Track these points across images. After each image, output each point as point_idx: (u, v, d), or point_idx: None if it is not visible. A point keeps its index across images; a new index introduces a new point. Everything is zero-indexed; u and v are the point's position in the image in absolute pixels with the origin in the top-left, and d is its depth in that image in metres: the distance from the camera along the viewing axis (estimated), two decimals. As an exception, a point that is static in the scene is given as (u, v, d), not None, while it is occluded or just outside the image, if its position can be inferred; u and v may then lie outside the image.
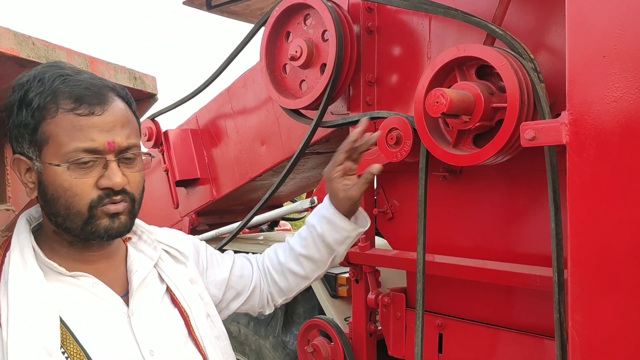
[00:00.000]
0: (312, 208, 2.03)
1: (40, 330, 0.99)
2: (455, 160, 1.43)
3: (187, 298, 1.23)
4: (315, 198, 2.01)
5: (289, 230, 5.36)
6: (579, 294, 1.08)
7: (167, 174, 2.87)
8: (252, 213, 2.08)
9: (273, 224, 4.35)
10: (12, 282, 1.01)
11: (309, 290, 2.65)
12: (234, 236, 2.19)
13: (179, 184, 2.88)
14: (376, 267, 1.92)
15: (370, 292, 1.89)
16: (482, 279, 1.58)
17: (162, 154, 2.87)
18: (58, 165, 1.01)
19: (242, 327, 2.75)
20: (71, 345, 1.02)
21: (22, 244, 1.06)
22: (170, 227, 3.11)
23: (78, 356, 1.01)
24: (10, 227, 1.79)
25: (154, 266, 1.22)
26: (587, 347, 1.07)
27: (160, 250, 1.24)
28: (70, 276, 1.07)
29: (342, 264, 1.94)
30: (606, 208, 1.04)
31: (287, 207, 2.26)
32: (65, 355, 1.00)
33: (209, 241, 2.81)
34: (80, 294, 1.07)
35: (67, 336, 1.02)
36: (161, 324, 1.15)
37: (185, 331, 1.19)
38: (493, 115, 1.38)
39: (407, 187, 1.86)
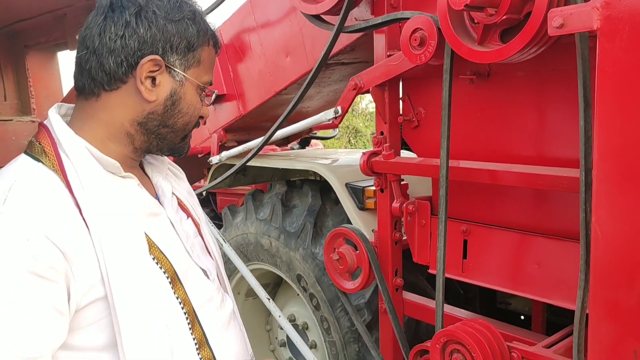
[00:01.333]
0: (336, 118, 2.00)
1: (130, 233, 1.02)
2: (480, 57, 1.36)
3: (195, 208, 1.30)
4: (339, 108, 1.97)
5: (321, 149, 5.36)
6: (604, 189, 1.05)
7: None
8: (276, 125, 2.07)
9: (304, 143, 4.35)
10: (88, 183, 1.00)
11: (337, 204, 2.67)
12: (259, 150, 2.19)
13: (206, 100, 2.87)
14: (401, 177, 1.90)
15: (395, 201, 1.88)
16: (508, 183, 1.54)
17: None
18: (202, 87, 1.14)
19: (273, 240, 2.81)
20: (153, 248, 1.07)
21: (74, 142, 1.04)
22: (199, 145, 3.16)
23: (159, 256, 1.07)
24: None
25: None
26: (610, 244, 1.05)
27: (167, 164, 1.29)
28: (121, 177, 1.09)
29: (366, 174, 1.94)
30: (637, 98, 0.97)
31: (312, 118, 2.22)
32: (152, 257, 1.06)
33: (236, 157, 2.84)
34: (130, 195, 1.09)
35: (147, 238, 1.07)
36: (185, 228, 1.22)
37: (200, 238, 1.26)
38: (521, 7, 1.29)
39: (433, 93, 1.80)
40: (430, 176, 1.78)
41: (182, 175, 1.34)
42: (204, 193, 3.19)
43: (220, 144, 2.93)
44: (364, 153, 1.91)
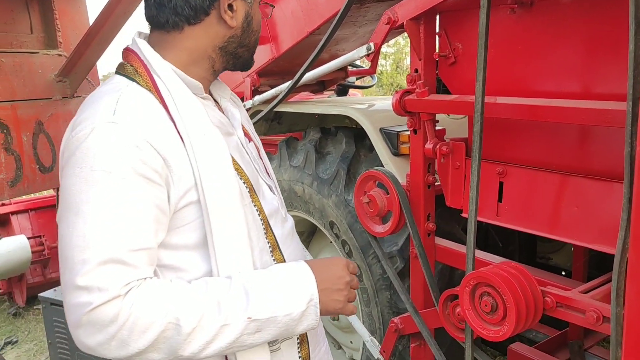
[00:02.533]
0: (368, 55, 1.91)
1: (217, 147, 1.14)
2: (521, -23, 1.24)
3: (254, 134, 1.43)
4: (371, 44, 1.88)
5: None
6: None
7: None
8: (306, 64, 2.00)
9: (341, 93, 4.26)
10: (180, 101, 1.13)
11: (372, 151, 2.61)
12: (289, 92, 2.13)
13: (240, 44, 2.82)
14: (436, 117, 1.81)
15: (429, 142, 1.80)
16: (549, 119, 1.44)
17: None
18: (260, 3, 1.27)
19: (306, 187, 2.78)
20: (233, 162, 1.19)
21: (162, 64, 1.16)
22: (233, 90, 3.11)
23: (238, 168, 1.21)
24: (64, 72, 1.82)
25: None
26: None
27: (229, 90, 1.40)
28: (202, 97, 1.22)
29: (399, 114, 1.85)
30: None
31: (344, 56, 2.13)
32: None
33: (269, 102, 2.79)
34: (211, 114, 1.21)
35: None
36: (250, 149, 1.35)
37: (261, 161, 1.40)
38: None
39: (472, 27, 1.68)
40: (466, 114, 1.69)
41: (240, 102, 1.44)
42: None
43: (253, 88, 2.88)
44: (396, 92, 1.82)
